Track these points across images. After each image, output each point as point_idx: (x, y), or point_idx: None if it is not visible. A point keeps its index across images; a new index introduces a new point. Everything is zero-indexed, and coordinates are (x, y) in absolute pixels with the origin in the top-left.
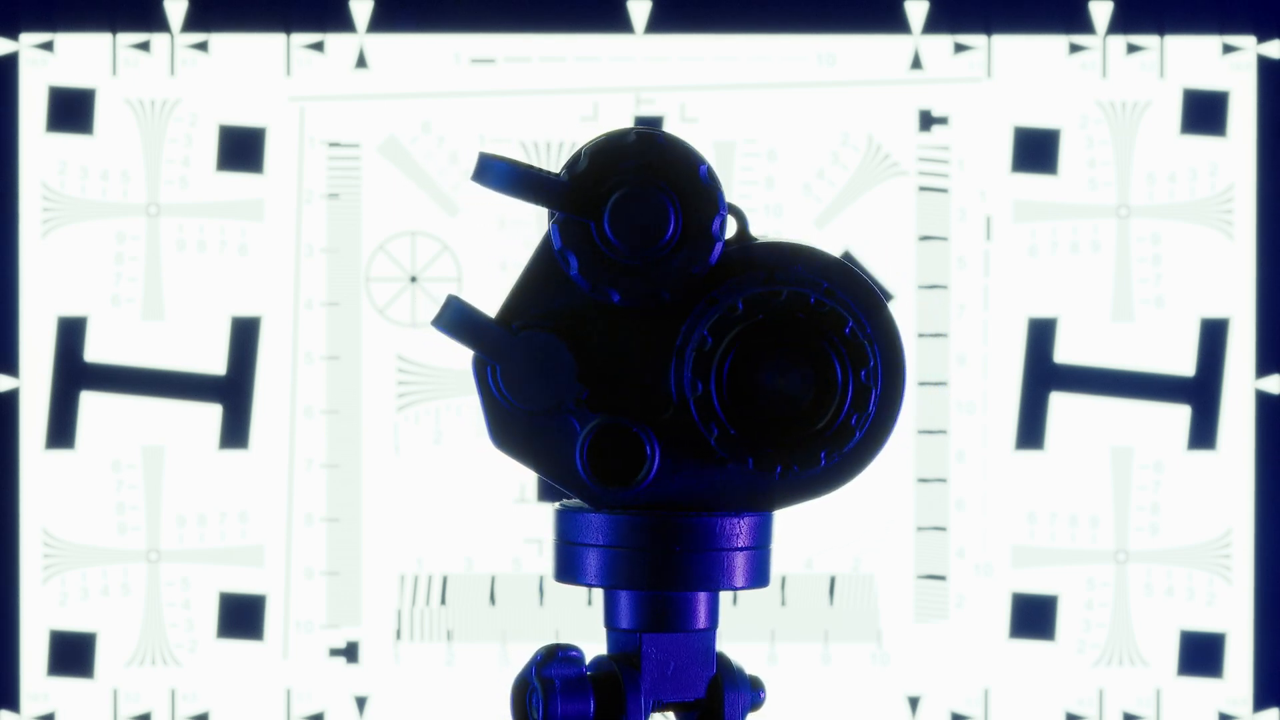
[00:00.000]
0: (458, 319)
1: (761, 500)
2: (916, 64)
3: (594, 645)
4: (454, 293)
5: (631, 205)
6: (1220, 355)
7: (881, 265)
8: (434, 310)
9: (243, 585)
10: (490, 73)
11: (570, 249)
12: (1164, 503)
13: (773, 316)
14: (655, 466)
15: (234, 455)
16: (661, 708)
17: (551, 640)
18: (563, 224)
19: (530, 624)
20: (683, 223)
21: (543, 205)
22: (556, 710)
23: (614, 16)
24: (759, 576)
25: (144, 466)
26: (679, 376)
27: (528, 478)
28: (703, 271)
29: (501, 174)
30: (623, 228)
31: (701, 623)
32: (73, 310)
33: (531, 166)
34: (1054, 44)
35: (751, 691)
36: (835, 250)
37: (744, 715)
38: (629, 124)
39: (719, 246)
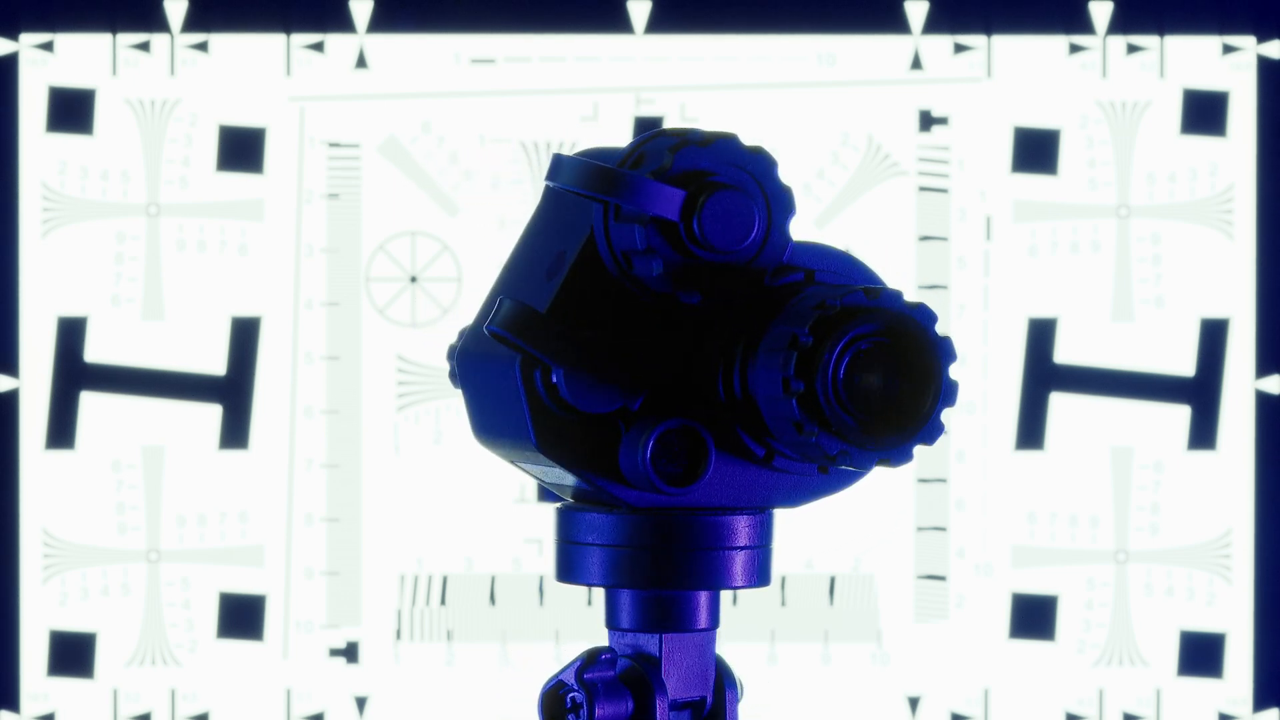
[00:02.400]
0: (518, 321)
1: (788, 497)
2: (916, 64)
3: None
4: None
5: (723, 206)
6: (1220, 355)
7: (882, 265)
8: (430, 310)
9: (243, 585)
10: (490, 73)
11: (657, 251)
12: (1164, 503)
13: (871, 316)
14: (712, 465)
15: (234, 455)
16: (675, 708)
17: (550, 640)
18: (649, 225)
19: (530, 624)
20: (765, 223)
21: (629, 205)
22: (601, 713)
23: (614, 16)
24: (768, 574)
25: (144, 466)
26: (743, 375)
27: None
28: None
29: (579, 172)
30: (715, 229)
31: (713, 622)
32: (73, 310)
33: (605, 167)
34: (1054, 44)
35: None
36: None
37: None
38: (628, 124)
39: (790, 246)
